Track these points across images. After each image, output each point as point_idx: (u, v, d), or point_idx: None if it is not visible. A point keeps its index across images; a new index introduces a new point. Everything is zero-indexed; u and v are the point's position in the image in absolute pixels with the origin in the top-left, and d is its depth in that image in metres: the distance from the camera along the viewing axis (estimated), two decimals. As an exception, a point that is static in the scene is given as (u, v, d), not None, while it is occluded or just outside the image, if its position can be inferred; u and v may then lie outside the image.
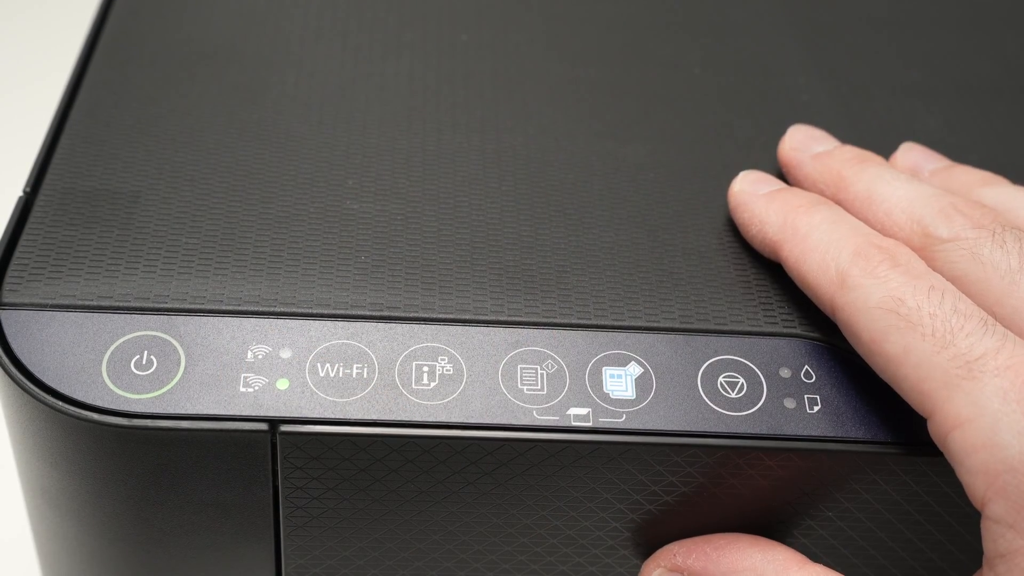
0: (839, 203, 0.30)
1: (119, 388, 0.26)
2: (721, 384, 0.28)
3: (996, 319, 0.26)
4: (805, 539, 0.29)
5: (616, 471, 0.27)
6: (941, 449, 0.25)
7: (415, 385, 0.27)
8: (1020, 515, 0.23)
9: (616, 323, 0.29)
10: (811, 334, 0.29)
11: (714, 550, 0.28)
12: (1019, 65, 0.39)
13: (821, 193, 0.31)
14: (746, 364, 0.28)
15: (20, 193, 0.30)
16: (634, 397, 0.27)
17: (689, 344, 0.28)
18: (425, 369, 0.27)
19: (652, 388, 0.27)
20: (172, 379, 0.27)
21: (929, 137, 0.35)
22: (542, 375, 0.27)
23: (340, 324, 0.28)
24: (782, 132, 0.33)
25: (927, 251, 0.28)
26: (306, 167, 0.32)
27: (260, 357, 0.27)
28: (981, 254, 0.27)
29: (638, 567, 0.30)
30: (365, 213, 0.31)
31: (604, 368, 0.28)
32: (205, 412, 0.26)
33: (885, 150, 0.33)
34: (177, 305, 0.28)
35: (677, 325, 0.29)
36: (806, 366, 0.28)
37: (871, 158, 0.31)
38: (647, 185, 0.33)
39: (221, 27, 0.37)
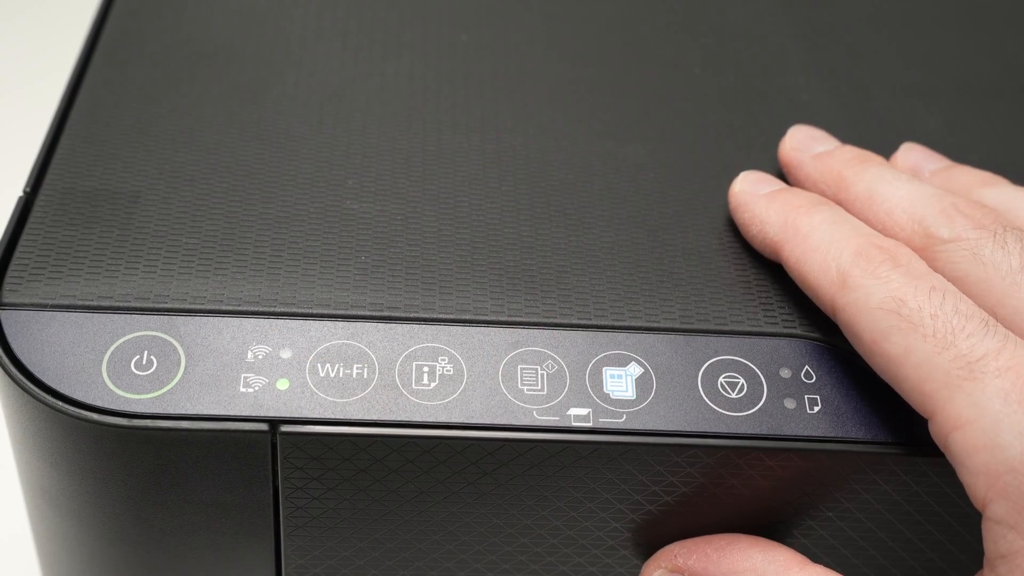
0: (840, 203, 0.30)
1: (119, 388, 0.26)
2: (721, 384, 0.28)
3: (997, 320, 0.26)
4: (805, 539, 0.29)
5: (616, 471, 0.27)
6: (942, 450, 0.25)
7: (415, 385, 0.27)
8: (1021, 516, 0.23)
9: (616, 323, 0.29)
10: (811, 334, 0.29)
11: (715, 551, 0.28)
12: (1019, 65, 0.39)
13: (822, 193, 0.31)
14: (746, 364, 0.28)
15: (20, 193, 0.30)
16: (634, 397, 0.27)
17: (689, 344, 0.28)
18: (425, 369, 0.27)
19: (652, 388, 0.27)
20: (172, 379, 0.27)
21: (929, 137, 0.35)
22: (542, 375, 0.27)
23: (340, 324, 0.28)
24: (782, 132, 0.33)
25: (928, 251, 0.28)
26: (306, 167, 0.32)
27: (260, 357, 0.27)
28: (982, 255, 0.27)
29: (638, 567, 0.30)
30: (365, 213, 0.31)
31: (604, 368, 0.28)
32: (205, 412, 0.26)
33: (885, 150, 0.33)
34: (177, 305, 0.28)
35: (677, 325, 0.29)
36: (806, 366, 0.28)
37: (872, 158, 0.31)
38: (647, 185, 0.33)
39: (221, 27, 0.37)
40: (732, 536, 0.28)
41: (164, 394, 0.26)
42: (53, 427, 0.27)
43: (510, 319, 0.28)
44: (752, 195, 0.31)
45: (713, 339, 0.28)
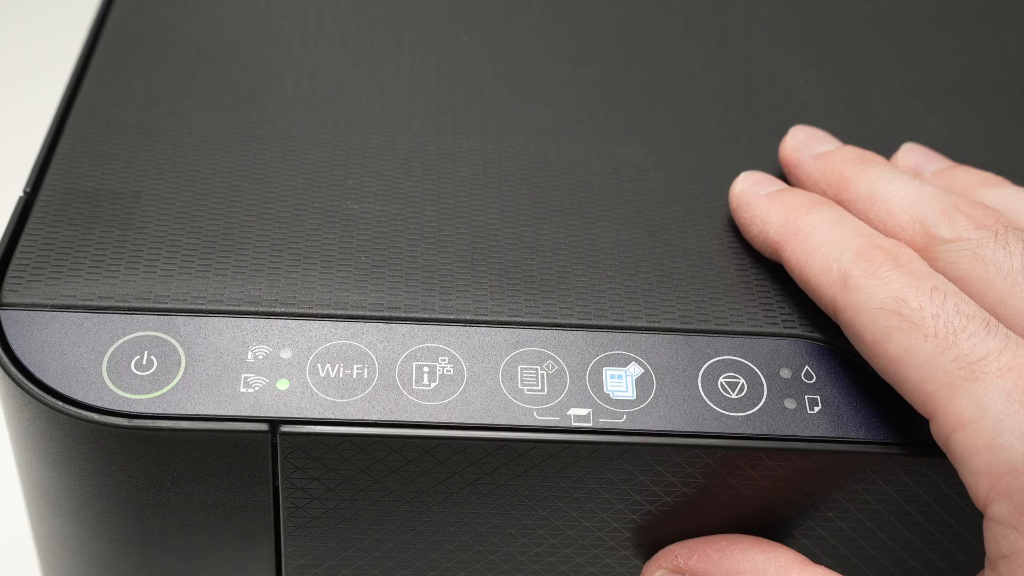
0: (841, 203, 0.30)
1: (119, 388, 0.26)
2: (722, 384, 0.28)
3: (998, 320, 0.26)
4: (806, 539, 0.29)
5: (616, 472, 0.27)
6: (944, 450, 0.25)
7: (415, 385, 0.27)
8: (1023, 516, 0.23)
9: (616, 323, 0.29)
10: (812, 334, 0.29)
11: (716, 551, 0.28)
12: (1019, 65, 0.39)
13: (823, 193, 0.31)
14: (746, 364, 0.28)
15: (20, 193, 0.30)
16: (634, 397, 0.27)
17: (689, 344, 0.28)
18: (425, 369, 0.27)
19: (652, 388, 0.27)
20: (172, 379, 0.27)
21: (929, 137, 0.35)
22: (542, 375, 0.27)
23: (340, 324, 0.28)
24: (783, 132, 0.33)
25: (929, 251, 0.28)
26: (306, 167, 0.32)
27: (260, 357, 0.27)
28: (984, 255, 0.27)
29: (638, 567, 0.30)
30: (365, 213, 0.31)
31: (604, 368, 0.28)
32: (205, 412, 0.26)
33: (886, 150, 0.33)
34: (177, 305, 0.28)
35: (677, 325, 0.29)
36: (807, 366, 0.28)
37: (873, 158, 0.31)
38: (647, 185, 0.33)
39: (221, 27, 0.37)
40: (733, 537, 0.28)
41: (164, 394, 0.26)
42: (53, 427, 0.27)
43: (510, 319, 0.28)
44: (753, 195, 0.31)
45: (713, 339, 0.28)
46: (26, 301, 0.28)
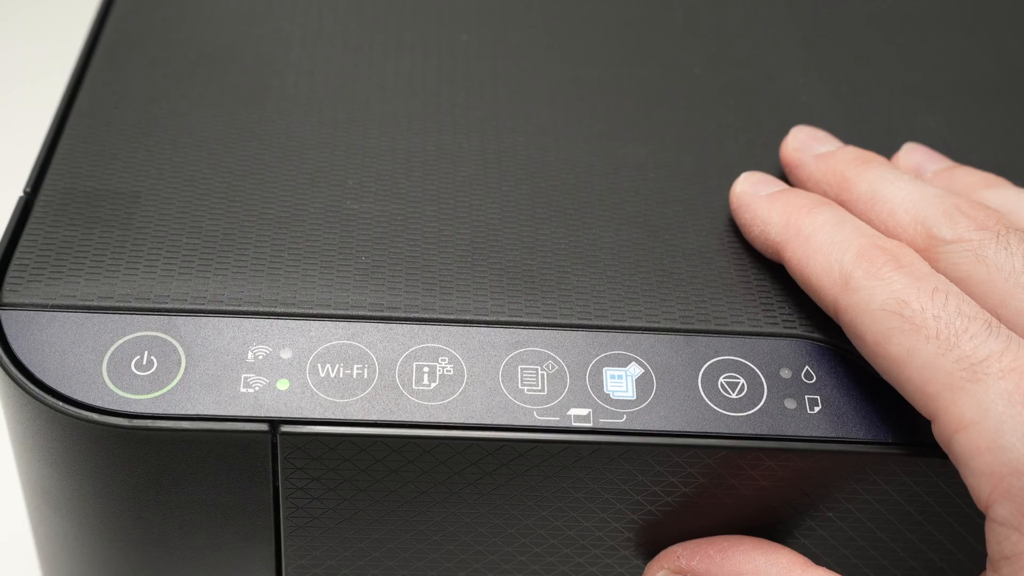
0: (842, 204, 0.30)
1: (119, 388, 0.26)
2: (722, 385, 0.28)
3: (1000, 321, 0.26)
4: (806, 540, 0.29)
5: (617, 472, 0.27)
6: (946, 451, 0.25)
7: (415, 386, 0.27)
8: (1024, 517, 0.23)
9: (616, 323, 0.28)
10: (812, 335, 0.29)
11: (718, 552, 0.28)
12: (1019, 65, 0.39)
13: (824, 194, 0.31)
14: (747, 365, 0.28)
15: (20, 193, 0.30)
16: (635, 398, 0.27)
17: (690, 345, 0.28)
18: (425, 370, 0.27)
19: (653, 389, 0.27)
20: (172, 379, 0.27)
21: (929, 137, 0.35)
22: (542, 375, 0.27)
23: (340, 324, 0.28)
24: (783, 133, 0.33)
25: (931, 252, 0.28)
26: (306, 167, 0.32)
27: (260, 357, 0.27)
28: (985, 256, 0.27)
29: (639, 567, 0.30)
30: (365, 213, 0.31)
31: (605, 368, 0.28)
32: (205, 412, 0.26)
33: (886, 150, 0.33)
34: (177, 305, 0.28)
35: (678, 326, 0.29)
36: (807, 367, 0.28)
37: (874, 158, 0.31)
38: (647, 185, 0.33)
39: (221, 27, 0.37)
40: (735, 538, 0.28)
41: (164, 394, 0.26)
42: (53, 427, 0.26)
43: (510, 319, 0.28)
44: (754, 196, 0.31)
45: (713, 339, 0.28)
46: (26, 301, 0.28)
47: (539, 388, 0.27)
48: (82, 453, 0.27)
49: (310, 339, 0.27)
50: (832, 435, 0.27)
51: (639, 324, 0.29)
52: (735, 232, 0.31)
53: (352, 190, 0.32)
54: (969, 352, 0.24)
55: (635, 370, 0.28)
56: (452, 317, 0.28)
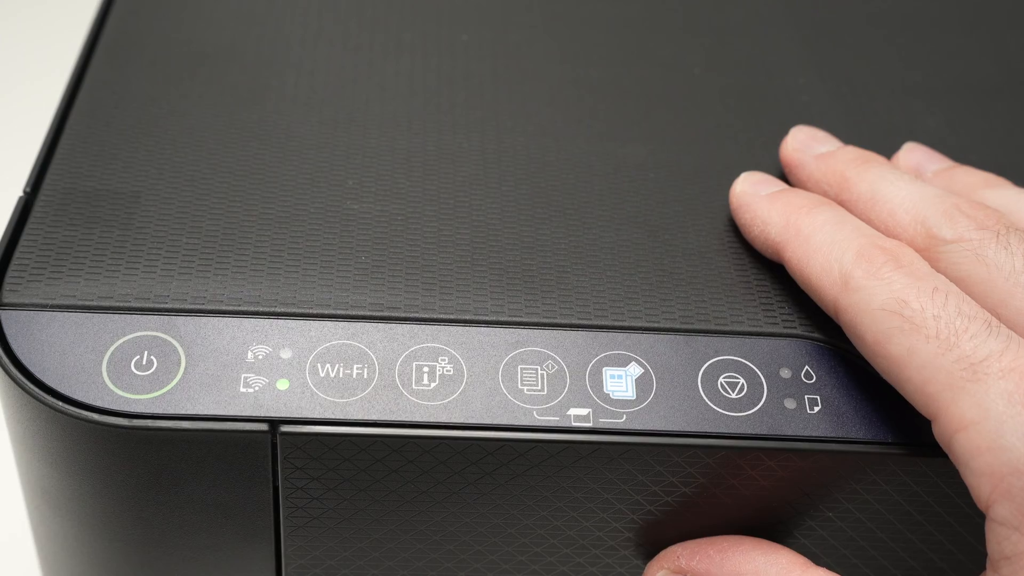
0: (842, 204, 0.30)
1: (119, 388, 0.26)
2: (721, 384, 0.28)
3: (1000, 321, 0.26)
4: (806, 539, 0.29)
5: (616, 471, 0.27)
6: (946, 451, 0.25)
7: (415, 385, 0.27)
8: (1025, 517, 0.23)
9: (616, 323, 0.28)
10: (812, 334, 0.29)
11: (717, 552, 0.28)
12: (1019, 65, 0.39)
13: (824, 194, 0.31)
14: (746, 364, 0.28)
15: (20, 193, 0.30)
16: (634, 397, 0.27)
17: (689, 344, 0.28)
18: (425, 369, 0.27)
19: (652, 388, 0.27)
20: (172, 379, 0.27)
21: (929, 137, 0.35)
22: (542, 375, 0.27)
23: (340, 324, 0.28)
24: (783, 132, 0.33)
25: (931, 252, 0.28)
26: (306, 167, 0.32)
27: (260, 357, 0.27)
28: (985, 255, 0.27)
29: (639, 567, 0.30)
30: (365, 213, 0.31)
31: (604, 368, 0.28)
32: (205, 412, 0.26)
33: (886, 150, 0.33)
34: (177, 305, 0.28)
35: (677, 325, 0.29)
36: (806, 366, 0.28)
37: (874, 158, 0.31)
38: (647, 185, 0.33)
39: (221, 27, 0.37)
40: (735, 538, 0.28)
41: (164, 394, 0.26)
42: (53, 427, 0.26)
43: (510, 319, 0.28)
44: (753, 196, 0.31)
45: (713, 339, 0.28)
46: (26, 301, 0.28)
47: (539, 388, 0.27)
48: (82, 453, 0.27)
49: (310, 339, 0.27)
50: (832, 435, 0.27)
51: (639, 324, 0.29)
52: (735, 232, 0.31)
53: (352, 190, 0.32)
54: (969, 352, 0.24)
55: (635, 370, 0.28)
56: (452, 317, 0.28)
